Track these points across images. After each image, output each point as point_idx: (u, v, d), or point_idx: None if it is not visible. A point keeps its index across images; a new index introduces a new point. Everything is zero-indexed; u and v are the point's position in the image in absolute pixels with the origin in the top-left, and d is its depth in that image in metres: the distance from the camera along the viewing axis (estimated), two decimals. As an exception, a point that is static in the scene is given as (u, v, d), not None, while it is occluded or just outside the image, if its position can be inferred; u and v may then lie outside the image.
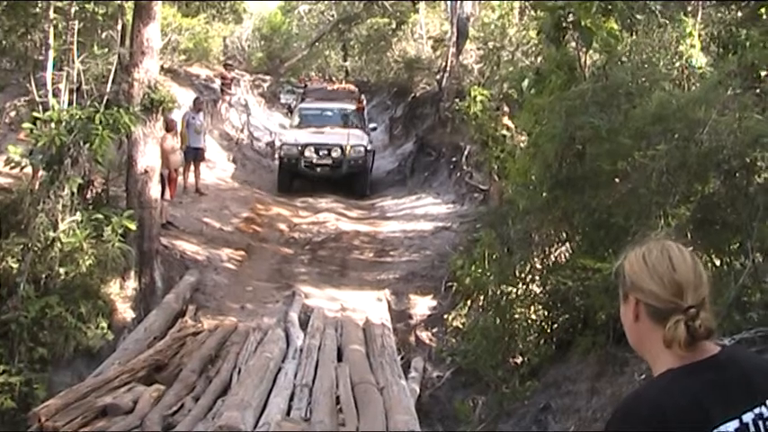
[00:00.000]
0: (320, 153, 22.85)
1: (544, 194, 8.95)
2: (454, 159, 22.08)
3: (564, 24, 8.83)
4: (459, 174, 21.54)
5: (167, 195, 16.85)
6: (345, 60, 39.41)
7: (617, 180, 8.76)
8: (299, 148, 22.85)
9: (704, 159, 7.68)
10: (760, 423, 2.19)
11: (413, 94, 29.40)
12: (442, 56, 27.52)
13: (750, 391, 2.23)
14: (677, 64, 11.55)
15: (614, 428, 2.24)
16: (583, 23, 8.72)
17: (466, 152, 20.85)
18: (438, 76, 26.46)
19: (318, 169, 23.02)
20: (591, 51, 9.83)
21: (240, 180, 23.78)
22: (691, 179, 7.87)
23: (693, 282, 2.25)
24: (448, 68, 25.08)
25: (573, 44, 9.47)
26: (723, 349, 2.30)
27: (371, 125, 26.24)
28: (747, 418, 2.18)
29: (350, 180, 23.35)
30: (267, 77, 35.83)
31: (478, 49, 27.17)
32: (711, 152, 7.61)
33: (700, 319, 2.20)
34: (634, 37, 11.40)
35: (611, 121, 8.54)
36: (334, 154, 22.80)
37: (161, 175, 15.37)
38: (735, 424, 2.16)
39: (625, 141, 8.32)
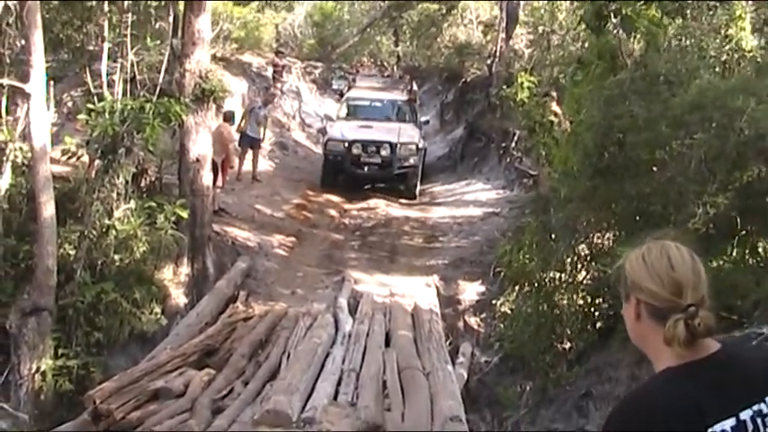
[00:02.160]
0: (368, 151, 21.03)
1: (585, 183, 8.97)
2: (504, 145, 21.99)
3: (605, 13, 8.81)
4: (508, 159, 21.50)
5: (219, 183, 17.10)
6: (397, 46, 39.37)
7: (655, 169, 8.76)
8: (346, 144, 21.04)
9: (743, 148, 7.67)
10: (758, 420, 2.22)
11: (463, 80, 29.24)
12: (492, 41, 27.36)
13: (749, 388, 2.26)
14: (726, 47, 11.46)
15: (612, 428, 2.28)
16: (624, 11, 8.70)
17: (515, 138, 20.77)
18: (488, 62, 26.31)
19: (366, 168, 21.18)
20: (635, 39, 9.80)
21: (291, 167, 23.94)
22: (729, 168, 7.86)
23: (692, 280, 2.30)
24: (497, 54, 24.83)
25: (615, 32, 9.45)
26: (724, 347, 2.33)
27: (423, 118, 24.60)
28: (745, 415, 2.21)
29: (399, 180, 21.51)
30: (319, 64, 35.92)
31: (528, 33, 27.01)
32: (751, 140, 7.60)
33: (699, 318, 2.24)
34: (681, 21, 11.34)
35: (650, 111, 8.53)
36: (383, 152, 20.95)
37: (213, 162, 15.61)
38: (731, 422, 2.19)
39: (663, 130, 8.32)
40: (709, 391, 2.22)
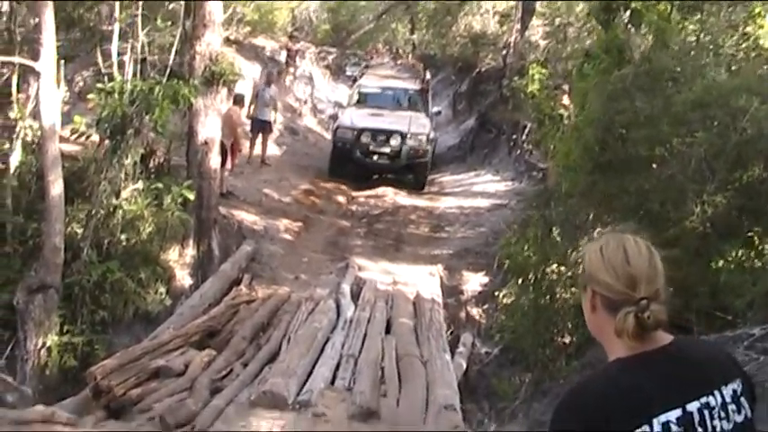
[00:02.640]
0: (378, 140, 20.74)
1: (585, 177, 9.01)
2: (514, 137, 22.01)
3: (614, 7, 8.83)
4: (518, 151, 21.53)
5: (228, 165, 17.18)
6: (412, 33, 39.28)
7: (654, 166, 8.79)
8: (355, 132, 20.79)
9: (745, 147, 7.70)
10: (706, 412, 2.26)
11: (477, 70, 29.20)
12: (507, 31, 27.30)
13: (698, 380, 2.31)
14: (743, 45, 11.45)
15: (558, 417, 2.33)
16: (633, 6, 8.72)
17: (526, 130, 20.77)
18: (503, 52, 26.27)
19: (375, 157, 20.85)
20: (643, 35, 9.81)
21: (301, 152, 23.97)
22: (730, 167, 7.89)
23: (647, 274, 2.34)
24: (512, 45, 24.79)
25: (624, 27, 9.46)
26: (675, 340, 2.38)
27: (435, 109, 24.22)
28: (692, 407, 2.25)
29: (408, 171, 21.24)
30: (333, 50, 35.92)
31: (545, 25, 26.92)
32: (752, 140, 7.63)
33: (650, 311, 2.28)
34: (698, 17, 11.34)
35: (653, 107, 8.56)
36: (393, 142, 20.64)
37: (222, 145, 15.69)
38: (677, 413, 2.23)
39: (664, 127, 8.35)
40: (657, 382, 2.27)
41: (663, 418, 2.23)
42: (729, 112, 7.95)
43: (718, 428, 2.27)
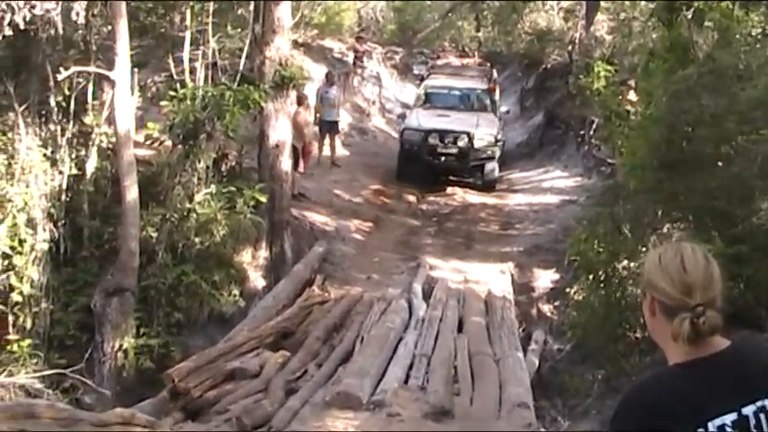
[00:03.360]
0: (445, 141, 20.30)
1: (651, 175, 8.97)
2: (582, 133, 21.80)
3: (677, 5, 8.77)
4: (586, 147, 21.31)
5: (300, 168, 17.35)
6: (478, 31, 39.12)
7: (720, 164, 8.73)
8: (422, 133, 20.37)
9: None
10: (761, 415, 2.31)
11: (544, 66, 28.98)
12: (572, 27, 27.10)
13: (753, 384, 2.36)
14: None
15: (616, 417, 2.41)
16: (696, 5, 8.65)
17: (594, 126, 20.57)
18: (569, 48, 26.08)
19: (443, 158, 20.39)
20: (706, 33, 9.71)
21: (371, 152, 24.01)
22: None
23: (702, 282, 2.39)
24: (577, 40, 24.59)
25: (687, 25, 9.37)
26: (732, 344, 2.43)
27: (503, 108, 23.89)
28: (748, 410, 2.31)
29: (476, 172, 20.82)
30: (399, 49, 36.00)
31: (610, 20, 26.65)
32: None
33: (705, 317, 2.34)
34: (764, 10, 11.16)
35: (717, 105, 8.49)
36: (460, 143, 20.21)
37: (294, 147, 15.85)
38: (732, 416, 2.29)
39: (729, 126, 8.29)
40: (712, 387, 2.33)
41: (718, 421, 2.29)
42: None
43: None
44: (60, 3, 11.45)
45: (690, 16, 8.83)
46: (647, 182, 8.96)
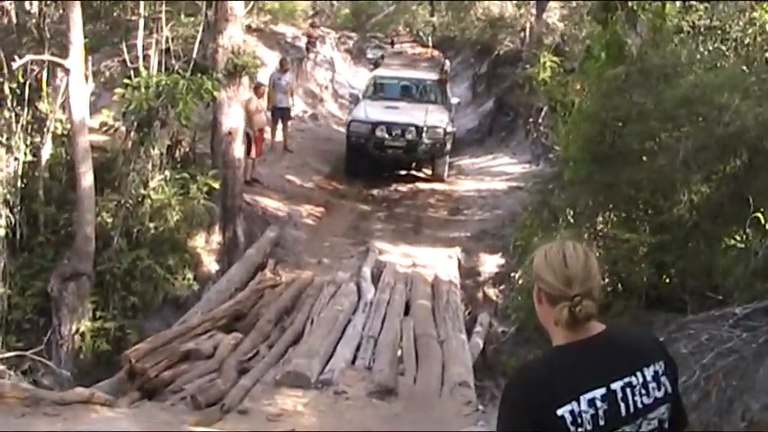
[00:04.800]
0: (393, 133, 19.63)
1: (584, 168, 9.39)
2: (531, 120, 22.09)
3: (612, 5, 9.15)
4: (534, 135, 21.59)
5: (253, 154, 17.57)
6: (432, 16, 39.27)
7: (645, 159, 9.21)
8: (369, 126, 19.70)
9: (729, 140, 8.13)
10: (628, 390, 2.67)
11: (496, 53, 29.18)
12: (525, 14, 27.37)
13: (622, 363, 2.72)
14: (750, 31, 11.65)
15: (506, 392, 2.76)
16: (629, 5, 9.05)
17: (542, 113, 20.90)
18: (520, 35, 26.36)
19: (390, 151, 19.82)
20: (640, 33, 10.08)
21: (323, 137, 24.12)
22: (714, 159, 8.34)
23: (581, 276, 2.72)
24: (528, 28, 24.84)
25: (623, 25, 9.74)
26: (605, 329, 2.78)
27: (455, 100, 23.10)
28: (616, 386, 2.66)
29: (426, 164, 20.66)
30: (353, 34, 36.09)
31: (562, 8, 26.97)
32: (736, 134, 8.05)
33: (581, 306, 2.68)
34: (707, 4, 11.56)
35: (644, 103, 8.96)
36: (408, 135, 19.58)
37: (246, 134, 16.09)
38: (602, 391, 2.64)
39: (653, 123, 8.77)
40: (586, 365, 2.69)
41: (589, 395, 2.63)
42: (713, 107, 8.38)
43: (638, 403, 2.69)
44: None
45: (624, 16, 9.20)
46: (581, 173, 9.38)
